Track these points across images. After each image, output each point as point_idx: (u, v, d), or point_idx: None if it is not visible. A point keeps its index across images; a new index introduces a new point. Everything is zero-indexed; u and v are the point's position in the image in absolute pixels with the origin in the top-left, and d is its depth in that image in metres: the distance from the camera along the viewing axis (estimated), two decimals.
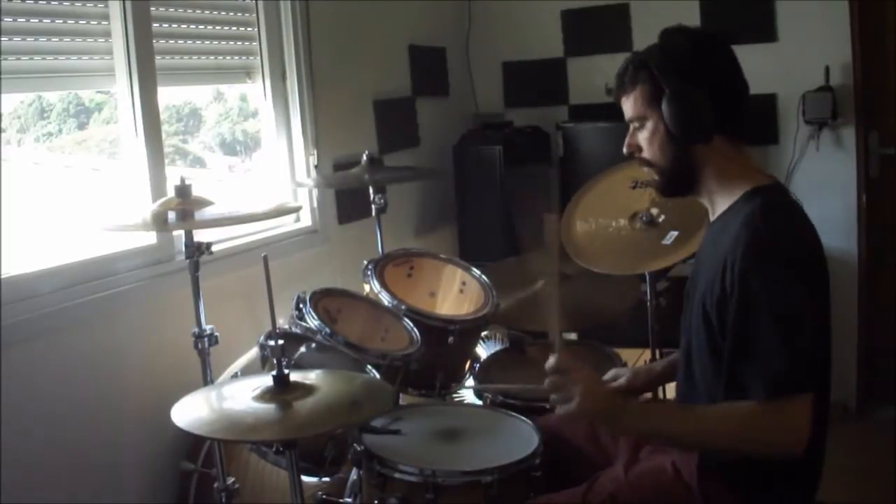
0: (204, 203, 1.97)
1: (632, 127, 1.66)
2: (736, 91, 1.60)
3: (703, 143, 1.57)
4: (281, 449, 1.65)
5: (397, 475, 1.72)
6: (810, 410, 1.41)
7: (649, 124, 1.60)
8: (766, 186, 1.58)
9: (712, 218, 1.66)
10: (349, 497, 1.98)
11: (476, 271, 2.58)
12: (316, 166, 2.98)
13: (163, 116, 2.43)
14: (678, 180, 1.65)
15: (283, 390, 1.54)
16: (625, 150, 1.68)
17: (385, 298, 2.31)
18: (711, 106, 1.53)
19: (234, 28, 2.76)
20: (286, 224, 2.93)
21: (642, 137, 1.63)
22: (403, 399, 2.30)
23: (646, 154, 1.64)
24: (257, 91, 2.89)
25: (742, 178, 1.59)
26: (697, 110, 1.54)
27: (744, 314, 1.45)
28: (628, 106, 1.64)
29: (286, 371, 1.56)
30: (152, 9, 2.35)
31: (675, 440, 1.57)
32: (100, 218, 2.16)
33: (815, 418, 1.44)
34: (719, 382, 1.52)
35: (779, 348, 1.42)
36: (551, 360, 1.58)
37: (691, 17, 3.49)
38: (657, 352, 2.57)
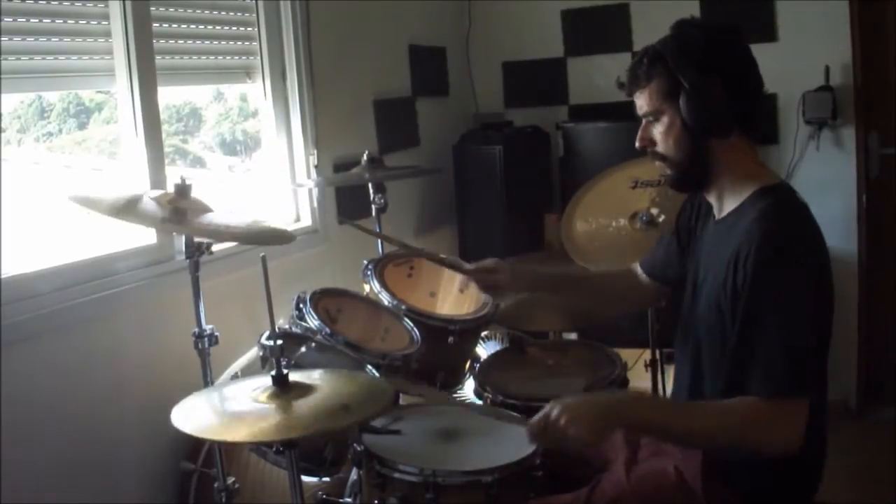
0: (202, 209, 1.95)
1: (644, 121, 1.63)
2: (753, 86, 1.57)
3: (721, 138, 1.55)
4: (281, 449, 1.65)
5: (397, 475, 1.71)
6: (806, 414, 1.41)
7: (665, 119, 1.57)
8: (775, 186, 1.57)
9: (718, 216, 1.65)
10: (349, 497, 1.98)
11: None
12: (316, 166, 2.98)
13: (163, 116, 2.42)
14: (692, 175, 1.62)
15: (283, 390, 1.54)
16: (637, 144, 1.65)
17: (385, 298, 2.31)
18: (730, 100, 1.51)
19: (234, 28, 2.76)
20: (286, 224, 2.94)
21: (657, 131, 1.60)
22: (403, 399, 2.30)
23: (660, 148, 1.61)
24: (257, 91, 2.89)
25: (751, 177, 1.58)
26: (717, 105, 1.51)
27: (752, 313, 1.45)
28: (643, 100, 1.60)
29: (286, 371, 1.56)
30: (152, 9, 2.35)
31: (671, 432, 1.53)
32: (104, 220, 2.12)
33: (815, 419, 1.44)
34: (726, 380, 1.53)
35: (783, 350, 1.42)
36: (526, 431, 1.56)
37: None
38: (657, 351, 2.57)
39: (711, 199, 1.67)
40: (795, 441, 1.41)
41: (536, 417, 1.55)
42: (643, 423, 1.56)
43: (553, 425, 1.50)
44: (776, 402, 1.41)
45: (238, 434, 1.48)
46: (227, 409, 1.57)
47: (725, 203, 1.62)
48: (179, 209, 1.89)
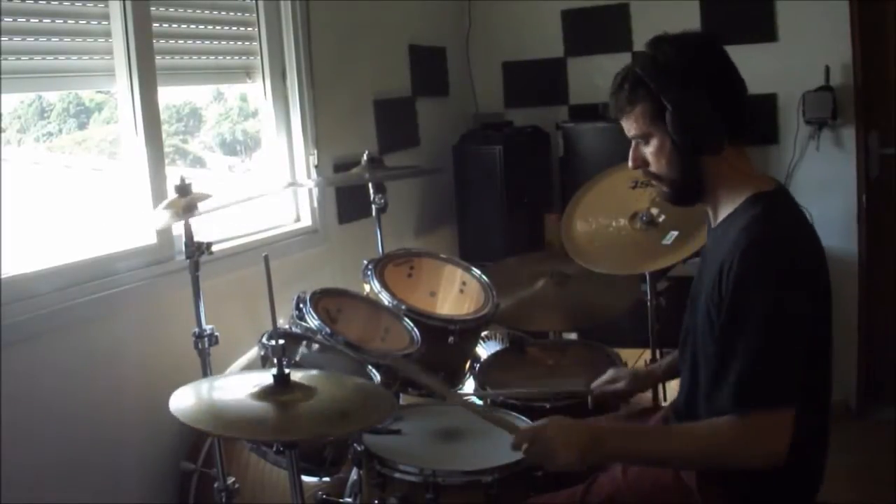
0: (203, 197, 1.98)
1: (634, 142, 1.63)
2: (736, 93, 1.56)
3: (714, 154, 1.54)
4: (281, 449, 1.65)
5: (397, 475, 1.72)
6: (789, 425, 1.39)
7: (655, 140, 1.57)
8: (769, 192, 1.56)
9: (714, 224, 1.65)
10: (349, 497, 1.98)
11: (476, 271, 2.58)
12: (316, 166, 2.98)
13: (163, 116, 2.43)
14: (688, 191, 1.62)
15: (282, 390, 1.54)
16: (630, 165, 1.65)
17: (385, 298, 2.31)
18: (717, 111, 1.50)
19: (234, 28, 2.76)
20: (286, 224, 2.94)
21: (648, 152, 1.60)
22: (403, 399, 2.30)
23: (653, 168, 1.61)
24: (257, 91, 2.89)
25: (745, 184, 1.57)
26: (705, 122, 1.50)
27: (731, 320, 1.44)
28: (629, 125, 1.60)
29: (287, 371, 1.56)
30: (152, 9, 2.35)
31: (654, 460, 1.56)
32: (104, 221, 2.16)
33: (817, 421, 1.44)
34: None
35: (758, 358, 1.41)
36: (512, 440, 1.60)
37: (691, 18, 3.49)
38: (657, 352, 2.57)
39: (707, 208, 1.66)
40: (779, 455, 1.39)
41: (525, 433, 1.59)
42: (625, 453, 1.58)
43: (543, 446, 1.55)
44: (752, 417, 1.40)
45: (236, 431, 1.47)
46: (221, 400, 1.57)
47: (720, 211, 1.62)
48: (190, 204, 1.93)
